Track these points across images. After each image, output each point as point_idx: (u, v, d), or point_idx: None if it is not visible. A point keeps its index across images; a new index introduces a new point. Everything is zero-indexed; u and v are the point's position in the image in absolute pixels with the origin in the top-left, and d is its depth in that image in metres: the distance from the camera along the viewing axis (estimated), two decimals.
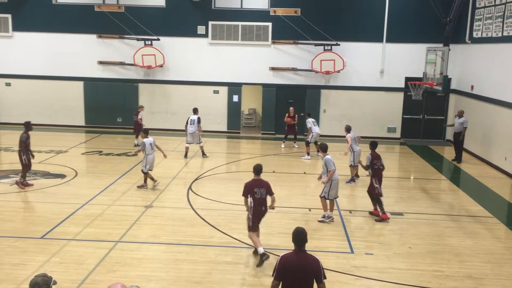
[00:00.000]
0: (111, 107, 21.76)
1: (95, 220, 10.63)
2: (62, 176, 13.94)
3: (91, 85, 21.71)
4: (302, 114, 21.39)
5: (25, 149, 12.88)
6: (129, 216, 10.92)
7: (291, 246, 5.76)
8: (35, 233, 9.82)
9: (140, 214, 11.09)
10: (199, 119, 16.94)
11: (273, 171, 15.25)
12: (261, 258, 8.64)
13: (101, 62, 21.54)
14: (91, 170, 15.25)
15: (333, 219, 10.94)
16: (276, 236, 10.05)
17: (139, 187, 13.10)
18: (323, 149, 11.09)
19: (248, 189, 8.85)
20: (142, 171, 13.16)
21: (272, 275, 5.64)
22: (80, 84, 21.76)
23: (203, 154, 17.04)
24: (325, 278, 5.59)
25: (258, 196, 8.80)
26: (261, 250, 8.69)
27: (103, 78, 21.67)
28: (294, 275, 5.49)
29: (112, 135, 20.84)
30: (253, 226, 8.90)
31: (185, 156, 16.86)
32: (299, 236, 5.63)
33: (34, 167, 13.68)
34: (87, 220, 10.61)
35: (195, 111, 17.27)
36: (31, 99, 21.91)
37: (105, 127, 21.77)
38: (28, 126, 13.10)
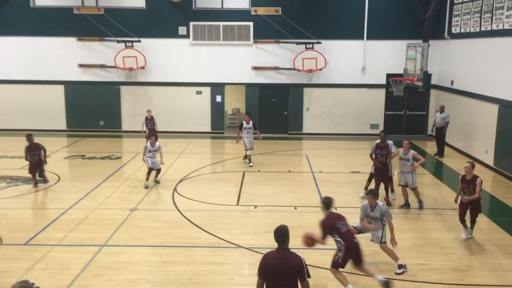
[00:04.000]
0: (93, 110, 21.54)
1: (80, 225, 10.52)
2: (44, 181, 13.74)
3: (72, 88, 21.47)
4: (285, 112, 21.50)
5: None
6: (114, 219, 10.83)
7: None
8: (18, 239, 9.66)
9: (125, 217, 11.00)
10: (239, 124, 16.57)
11: (258, 170, 15.29)
12: None
13: (81, 65, 21.29)
14: (74, 175, 15.07)
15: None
16: (263, 235, 10.04)
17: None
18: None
19: (329, 228, 7.60)
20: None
21: (257, 274, 5.63)
22: (61, 87, 21.50)
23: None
24: (309, 276, 5.52)
25: (344, 230, 7.65)
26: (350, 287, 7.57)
27: (84, 81, 21.44)
28: (276, 272, 5.47)
29: (95, 138, 20.63)
30: (342, 262, 7.73)
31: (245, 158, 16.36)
32: (279, 234, 5.60)
33: (16, 173, 13.47)
34: (71, 225, 10.50)
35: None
36: (11, 104, 21.56)
37: (87, 130, 21.55)
38: None
